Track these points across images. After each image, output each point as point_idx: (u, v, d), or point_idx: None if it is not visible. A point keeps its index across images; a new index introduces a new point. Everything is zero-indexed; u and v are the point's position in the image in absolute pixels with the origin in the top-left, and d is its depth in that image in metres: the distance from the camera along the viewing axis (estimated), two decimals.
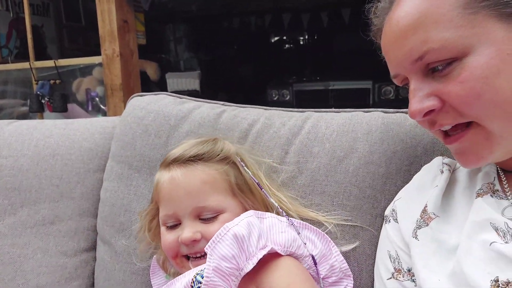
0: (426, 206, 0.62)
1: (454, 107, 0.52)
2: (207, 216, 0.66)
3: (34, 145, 0.99)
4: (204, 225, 0.66)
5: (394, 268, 0.65)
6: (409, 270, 0.63)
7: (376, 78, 2.92)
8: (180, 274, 0.72)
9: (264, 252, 0.61)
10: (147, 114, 0.94)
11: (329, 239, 0.70)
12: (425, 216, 0.61)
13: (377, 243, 0.71)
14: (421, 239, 0.60)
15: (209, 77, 3.62)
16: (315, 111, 0.90)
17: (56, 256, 0.91)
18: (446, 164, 0.67)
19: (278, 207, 0.71)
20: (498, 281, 0.48)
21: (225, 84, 3.70)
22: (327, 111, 0.89)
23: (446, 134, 0.57)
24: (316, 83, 3.22)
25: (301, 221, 0.70)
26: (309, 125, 0.84)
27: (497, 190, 0.58)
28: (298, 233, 0.67)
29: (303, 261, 0.66)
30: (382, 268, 0.66)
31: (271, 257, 0.62)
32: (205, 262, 0.60)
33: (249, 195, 0.71)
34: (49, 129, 1.03)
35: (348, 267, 0.70)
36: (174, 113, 0.92)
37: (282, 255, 0.63)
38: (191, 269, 0.64)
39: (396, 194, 0.74)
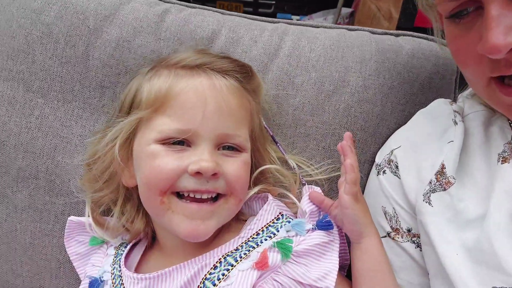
0: (444, 167, 0.53)
1: None
2: (229, 148, 0.51)
3: None
4: (223, 157, 0.49)
5: (391, 227, 0.57)
6: (409, 231, 0.56)
7: None
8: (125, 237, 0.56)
9: None
10: (46, 5, 0.62)
11: None
12: (443, 180, 0.52)
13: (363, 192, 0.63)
14: (436, 205, 0.52)
15: None
16: (289, 23, 0.70)
17: None
18: (457, 112, 0.57)
19: (296, 169, 0.59)
20: None
21: None
22: (305, 25, 0.70)
23: (502, 83, 0.45)
24: None
25: None
26: (289, 44, 0.65)
27: None
28: None
29: None
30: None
31: None
32: (208, 209, 0.48)
33: (257, 147, 0.56)
34: None
35: None
36: (92, 8, 0.62)
37: None
38: (178, 215, 0.48)
39: (386, 137, 0.64)
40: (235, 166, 0.49)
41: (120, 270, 0.51)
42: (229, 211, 0.50)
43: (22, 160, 0.61)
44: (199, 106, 0.48)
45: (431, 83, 0.66)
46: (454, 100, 0.65)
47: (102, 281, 0.52)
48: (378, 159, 0.62)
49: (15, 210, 0.62)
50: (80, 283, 0.56)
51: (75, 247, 0.59)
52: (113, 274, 0.52)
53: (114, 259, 0.54)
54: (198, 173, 0.46)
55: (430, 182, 0.53)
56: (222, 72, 0.52)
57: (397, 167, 0.58)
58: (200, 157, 0.47)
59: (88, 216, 0.57)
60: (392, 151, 0.60)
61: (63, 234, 0.60)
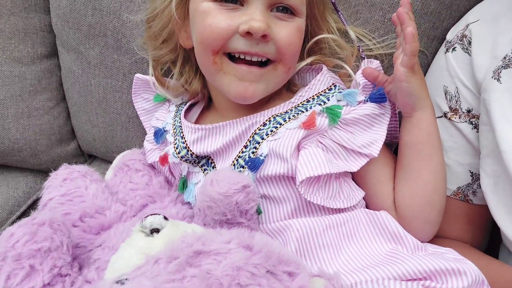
0: None
1: None
2: (284, 10, 0.49)
3: None
4: (276, 20, 0.48)
5: (450, 107, 0.55)
6: (468, 111, 0.54)
7: None
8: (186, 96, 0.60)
9: None
10: None
11: None
12: None
13: (427, 70, 0.59)
14: (505, 82, 0.48)
15: None
16: None
17: (8, 64, 0.70)
18: None
19: (356, 41, 0.55)
20: None
21: None
22: None
23: None
24: None
25: None
26: None
27: None
28: None
29: None
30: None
31: None
32: (257, 72, 0.48)
33: (315, 14, 0.53)
34: None
35: None
36: None
37: None
38: (229, 76, 0.49)
39: (464, 12, 0.57)
40: (287, 31, 0.48)
41: (180, 122, 0.56)
42: (278, 78, 0.50)
43: (92, 17, 0.64)
44: None
45: None
46: None
47: (165, 131, 0.58)
48: (450, 35, 0.57)
49: (88, 66, 0.68)
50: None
51: (141, 103, 0.65)
52: (174, 125, 0.57)
53: (175, 113, 0.59)
54: (248, 34, 0.46)
55: (505, 58, 0.49)
56: None
57: (470, 43, 0.53)
58: (251, 17, 0.46)
59: (151, 74, 0.61)
60: (467, 25, 0.54)
61: (131, 92, 0.66)
